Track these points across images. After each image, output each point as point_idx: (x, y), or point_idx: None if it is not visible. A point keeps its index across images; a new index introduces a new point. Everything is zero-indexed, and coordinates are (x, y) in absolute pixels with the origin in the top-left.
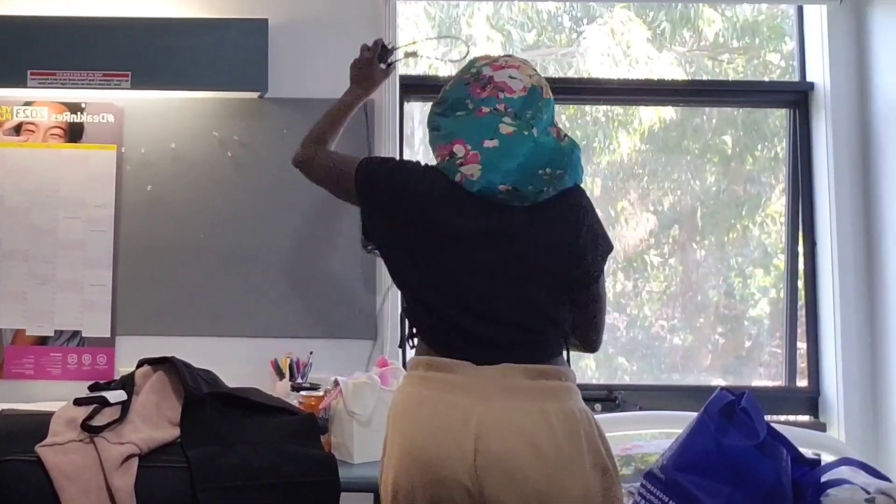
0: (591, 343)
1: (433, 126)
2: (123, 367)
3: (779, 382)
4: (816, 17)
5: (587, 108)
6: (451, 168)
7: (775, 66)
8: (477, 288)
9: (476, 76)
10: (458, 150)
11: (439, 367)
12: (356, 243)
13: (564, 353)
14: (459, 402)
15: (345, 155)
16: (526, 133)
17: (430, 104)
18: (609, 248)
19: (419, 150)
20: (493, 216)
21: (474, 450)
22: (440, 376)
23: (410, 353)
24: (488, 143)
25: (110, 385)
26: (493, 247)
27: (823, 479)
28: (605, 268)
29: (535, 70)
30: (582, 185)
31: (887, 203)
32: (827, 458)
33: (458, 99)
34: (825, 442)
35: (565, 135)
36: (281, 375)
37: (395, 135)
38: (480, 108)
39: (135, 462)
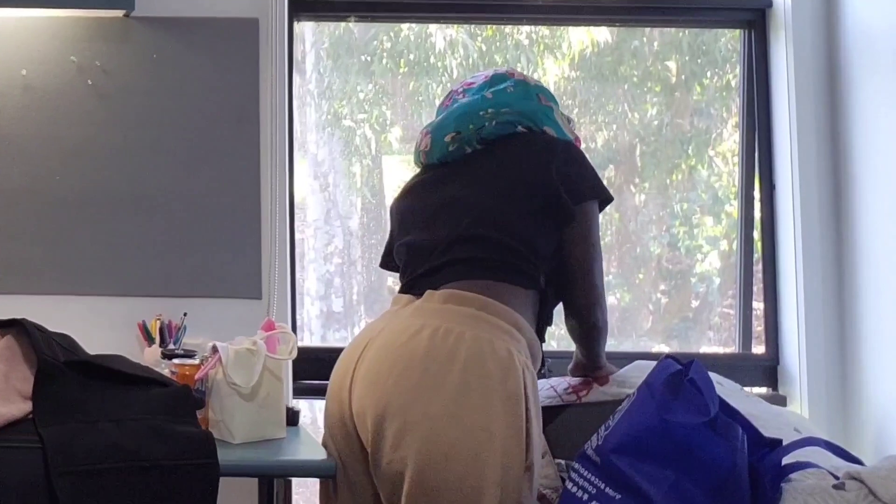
0: (580, 310)
1: None
2: None
3: (731, 349)
4: None
5: (507, 29)
6: (416, 156)
7: None
8: (414, 231)
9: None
10: (420, 141)
11: (392, 304)
12: (237, 188)
13: (528, 300)
14: (372, 326)
15: None
16: (476, 96)
17: (324, 24)
18: (591, 193)
19: (311, 77)
20: (453, 169)
21: (356, 365)
22: (384, 312)
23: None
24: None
25: None
26: (435, 192)
27: (785, 461)
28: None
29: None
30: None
31: (857, 139)
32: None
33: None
34: (785, 418)
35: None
36: (150, 340)
37: (284, 60)
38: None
39: None
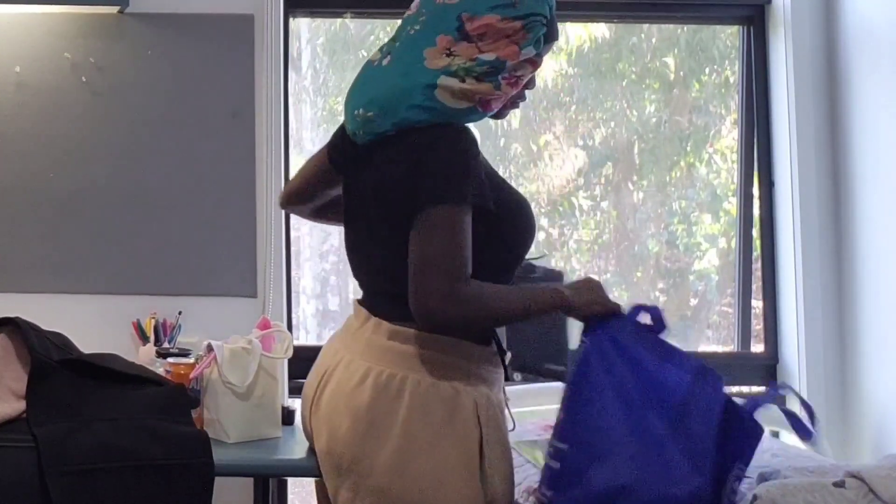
0: (413, 305)
1: None
2: None
3: (730, 347)
4: None
5: None
6: None
7: None
8: (348, 238)
9: None
10: None
11: (353, 313)
12: (233, 186)
13: None
14: (333, 350)
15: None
16: (376, 62)
17: (319, 20)
18: (439, 194)
19: (307, 73)
20: (355, 163)
21: (315, 392)
22: (346, 322)
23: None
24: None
25: None
26: (348, 195)
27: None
28: (447, 221)
29: None
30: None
31: (857, 135)
32: (786, 437)
33: None
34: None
35: (448, 51)
36: (144, 339)
37: (280, 56)
38: None
39: None
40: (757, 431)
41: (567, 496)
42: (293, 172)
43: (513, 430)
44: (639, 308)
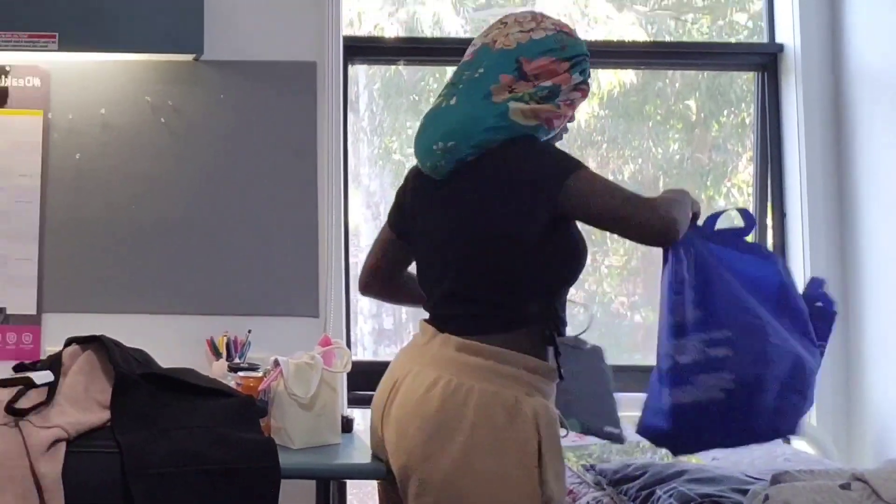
0: (645, 234)
1: None
2: (50, 347)
3: None
4: None
5: None
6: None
7: (742, 27)
8: (425, 262)
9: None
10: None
11: (419, 331)
12: (297, 217)
13: (524, 335)
14: (401, 364)
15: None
16: (443, 104)
17: (375, 67)
18: (568, 166)
19: (364, 115)
20: (432, 193)
21: (386, 402)
22: (412, 339)
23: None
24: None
25: (36, 365)
26: (430, 222)
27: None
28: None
29: (520, 21)
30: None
31: (861, 172)
32: (798, 445)
33: None
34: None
35: (510, 89)
36: (217, 355)
37: (339, 100)
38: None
39: (62, 447)
40: (832, 312)
41: (761, 375)
42: (351, 206)
43: (565, 436)
44: (717, 214)
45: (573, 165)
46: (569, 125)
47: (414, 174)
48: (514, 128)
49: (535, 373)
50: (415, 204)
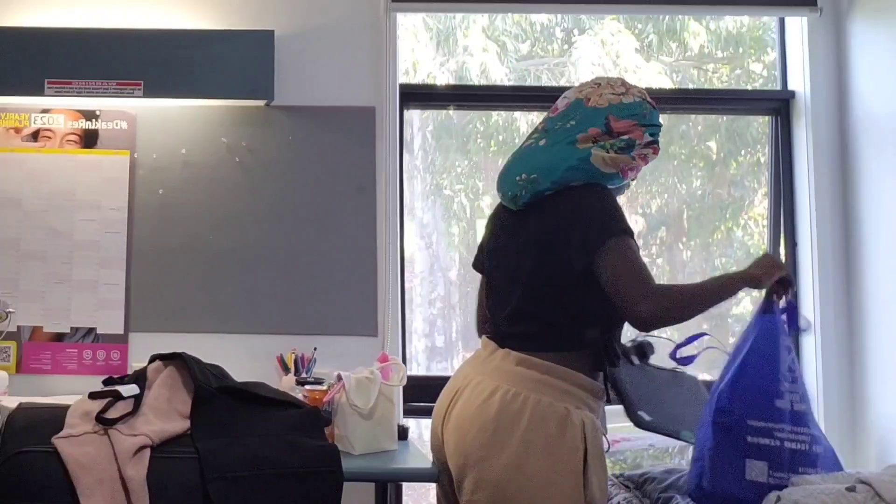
0: (628, 315)
1: None
2: (136, 363)
3: None
4: (797, 28)
5: None
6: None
7: (758, 76)
8: (493, 284)
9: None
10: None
11: (481, 346)
12: (357, 246)
13: (578, 356)
14: (464, 374)
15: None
16: (532, 144)
17: (428, 112)
18: (610, 228)
19: (418, 155)
20: (507, 221)
21: (447, 408)
22: (475, 353)
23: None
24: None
25: (124, 379)
26: (501, 249)
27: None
28: (613, 247)
29: (612, 84)
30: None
31: (865, 206)
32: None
33: None
34: None
35: (594, 140)
36: (286, 370)
37: (396, 141)
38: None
39: (147, 453)
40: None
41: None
42: (406, 236)
43: (608, 450)
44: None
45: (619, 230)
46: (632, 182)
47: (492, 215)
48: (591, 172)
49: (585, 390)
50: (490, 236)
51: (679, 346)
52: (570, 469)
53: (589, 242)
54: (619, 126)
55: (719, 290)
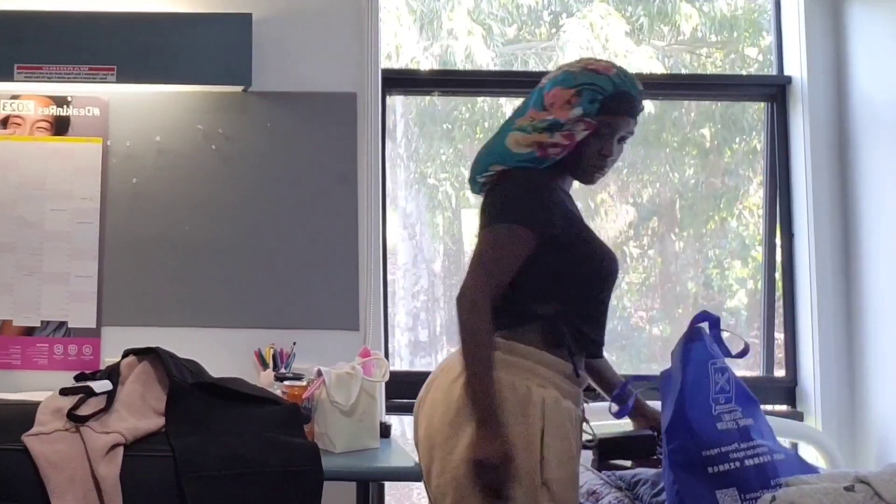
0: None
1: None
2: (109, 358)
3: (756, 372)
4: (794, 11)
5: None
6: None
7: (753, 60)
8: None
9: None
10: None
11: None
12: (338, 237)
13: (535, 332)
14: (441, 363)
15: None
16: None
17: (412, 97)
18: (495, 215)
19: (401, 142)
20: None
21: (420, 399)
22: None
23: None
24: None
25: (96, 375)
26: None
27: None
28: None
29: (580, 62)
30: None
31: (864, 195)
32: (804, 447)
33: None
34: (803, 431)
35: (531, 120)
36: (265, 366)
37: (378, 128)
38: None
39: (120, 451)
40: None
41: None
42: (389, 227)
43: (592, 441)
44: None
45: (506, 218)
46: (606, 162)
47: None
48: (508, 154)
49: (550, 368)
50: None
51: (613, 400)
52: (525, 446)
53: (481, 221)
54: (548, 98)
55: (477, 384)
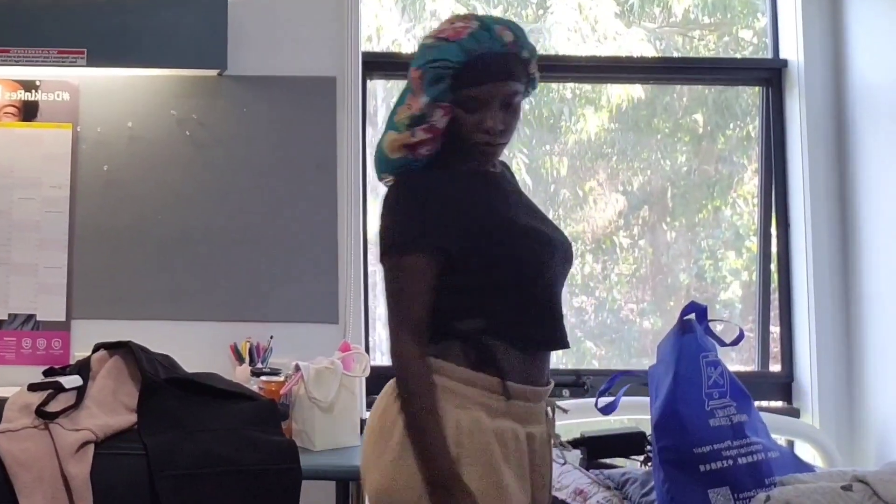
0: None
1: None
2: (79, 352)
3: (751, 367)
4: None
5: (554, 85)
6: None
7: (747, 43)
8: None
9: None
10: None
11: None
12: (317, 227)
13: (456, 347)
14: None
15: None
16: None
17: (393, 82)
18: (383, 250)
19: (381, 129)
20: None
21: None
22: None
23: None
24: None
25: (65, 370)
26: None
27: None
28: (399, 264)
29: (431, 33)
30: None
31: (862, 183)
32: (801, 445)
33: None
34: (799, 428)
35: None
36: (240, 360)
37: (359, 113)
38: None
39: (91, 449)
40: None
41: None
42: (370, 216)
43: (563, 464)
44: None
45: (392, 249)
46: (494, 136)
47: None
48: (387, 161)
49: (476, 386)
50: None
51: (599, 395)
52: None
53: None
54: (412, 81)
55: (420, 432)
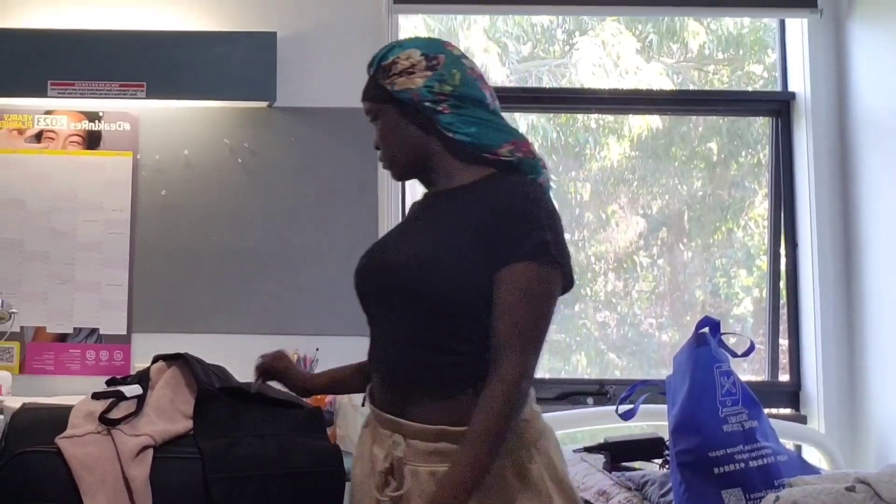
0: None
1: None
2: (139, 363)
3: (762, 377)
4: (797, 30)
5: (579, 116)
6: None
7: (758, 77)
8: None
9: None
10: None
11: None
12: (359, 245)
13: None
14: None
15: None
16: None
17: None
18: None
19: None
20: None
21: None
22: None
23: None
24: None
25: (126, 380)
26: None
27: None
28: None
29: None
30: None
31: (865, 207)
32: (808, 449)
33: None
34: (806, 434)
35: None
36: None
37: None
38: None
39: (150, 453)
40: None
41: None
42: None
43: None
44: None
45: (547, 254)
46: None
47: None
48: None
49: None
50: None
51: (620, 402)
52: None
53: None
54: None
55: (499, 439)
